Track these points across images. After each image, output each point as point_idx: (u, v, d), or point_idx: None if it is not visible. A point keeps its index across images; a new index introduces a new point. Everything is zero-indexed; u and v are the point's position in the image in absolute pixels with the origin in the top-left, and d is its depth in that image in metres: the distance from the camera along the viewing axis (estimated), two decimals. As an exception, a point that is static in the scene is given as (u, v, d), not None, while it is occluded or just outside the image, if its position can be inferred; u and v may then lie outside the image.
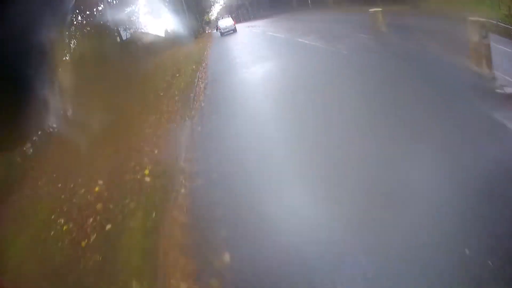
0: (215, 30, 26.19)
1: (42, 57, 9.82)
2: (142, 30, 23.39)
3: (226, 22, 21.73)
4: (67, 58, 13.60)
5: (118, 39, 19.59)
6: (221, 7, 30.24)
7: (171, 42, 23.32)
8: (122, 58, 16.67)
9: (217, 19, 28.11)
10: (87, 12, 17.30)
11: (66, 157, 9.73)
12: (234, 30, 21.18)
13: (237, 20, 26.10)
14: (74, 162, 9.08)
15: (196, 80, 10.28)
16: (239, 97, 7.80)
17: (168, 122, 7.47)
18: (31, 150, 10.41)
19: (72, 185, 7.77)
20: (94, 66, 12.30)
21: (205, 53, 16.10)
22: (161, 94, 9.65)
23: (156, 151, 6.41)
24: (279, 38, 14.02)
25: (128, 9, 21.35)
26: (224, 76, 10.34)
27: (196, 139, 6.24)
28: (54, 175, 8.96)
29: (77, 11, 16.72)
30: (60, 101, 11.53)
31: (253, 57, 11.21)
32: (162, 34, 24.39)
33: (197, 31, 26.42)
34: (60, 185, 8.23)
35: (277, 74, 8.75)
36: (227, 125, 6.29)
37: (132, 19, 21.38)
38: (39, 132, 11.11)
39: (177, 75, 11.31)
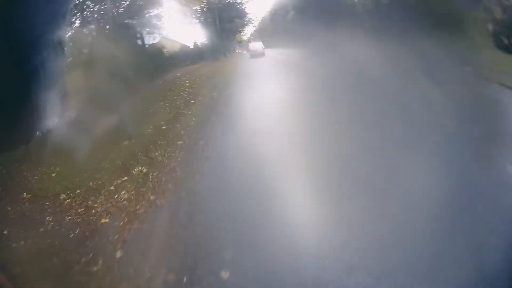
0: (245, 51, 24.00)
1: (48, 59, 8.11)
2: (169, 37, 20.94)
3: (257, 45, 21.08)
4: (76, 59, 10.67)
5: (140, 42, 16.94)
6: (254, 28, 27.72)
7: (198, 56, 20.82)
8: (138, 65, 13.61)
9: (248, 40, 25.99)
10: (107, 6, 14.58)
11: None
12: (263, 54, 20.45)
13: (271, 45, 23.58)
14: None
15: (212, 117, 7.21)
16: (274, 166, 4.60)
17: (153, 189, 4.36)
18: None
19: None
20: (104, 71, 10.11)
21: (232, 77, 13.14)
22: (164, 127, 6.63)
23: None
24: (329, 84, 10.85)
25: (156, 11, 18.41)
26: (253, 119, 7.24)
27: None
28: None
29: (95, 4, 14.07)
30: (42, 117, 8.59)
31: (296, 95, 8.11)
32: (190, 46, 21.86)
33: (228, 49, 23.99)
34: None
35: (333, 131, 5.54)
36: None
37: (159, 22, 18.51)
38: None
39: (192, 101, 8.38)
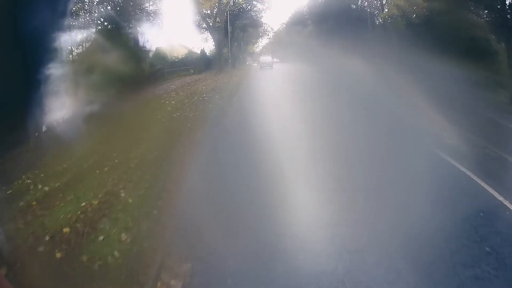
0: (255, 64, 21.68)
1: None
2: (175, 41, 17.01)
3: (266, 59, 21.44)
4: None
5: (140, 46, 12.94)
6: (268, 40, 24.37)
7: (204, 64, 17.11)
8: (129, 74, 10.15)
9: (260, 52, 23.05)
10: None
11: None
12: (271, 67, 20.77)
13: (284, 60, 21.39)
14: None
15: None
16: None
17: None
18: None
19: None
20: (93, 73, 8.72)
21: (233, 98, 9.03)
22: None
23: None
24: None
25: (162, 12, 14.47)
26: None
27: None
28: None
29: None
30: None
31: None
32: (197, 52, 17.92)
33: (237, 60, 20.43)
34: None
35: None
36: None
37: (162, 24, 14.67)
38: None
39: (150, 158, 4.19)
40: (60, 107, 7.50)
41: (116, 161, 4.50)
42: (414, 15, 15.24)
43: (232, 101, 9.06)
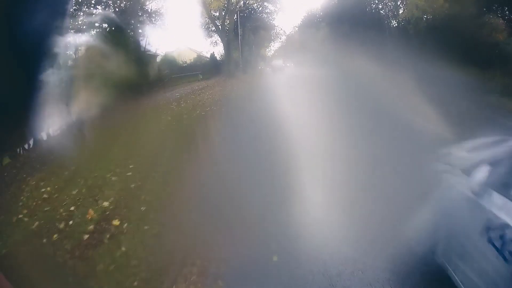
0: (268, 68, 20.86)
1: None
2: (184, 45, 16.01)
3: (278, 63, 21.66)
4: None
5: (146, 51, 11.89)
6: (280, 44, 23.55)
7: (214, 69, 15.87)
8: (130, 82, 9.44)
9: (273, 57, 22.45)
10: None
11: None
12: (282, 70, 20.80)
13: (298, 65, 20.68)
14: None
15: None
16: None
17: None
18: None
19: None
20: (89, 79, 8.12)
21: (242, 115, 7.73)
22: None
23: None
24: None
25: (169, 15, 13.47)
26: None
27: None
28: None
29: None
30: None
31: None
32: (207, 56, 16.78)
33: (248, 64, 19.28)
34: None
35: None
36: None
37: (170, 28, 13.57)
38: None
39: (123, 215, 2.98)
40: (52, 118, 7.03)
41: (71, 222, 3.29)
42: (431, 17, 13.98)
43: (240, 119, 7.66)
